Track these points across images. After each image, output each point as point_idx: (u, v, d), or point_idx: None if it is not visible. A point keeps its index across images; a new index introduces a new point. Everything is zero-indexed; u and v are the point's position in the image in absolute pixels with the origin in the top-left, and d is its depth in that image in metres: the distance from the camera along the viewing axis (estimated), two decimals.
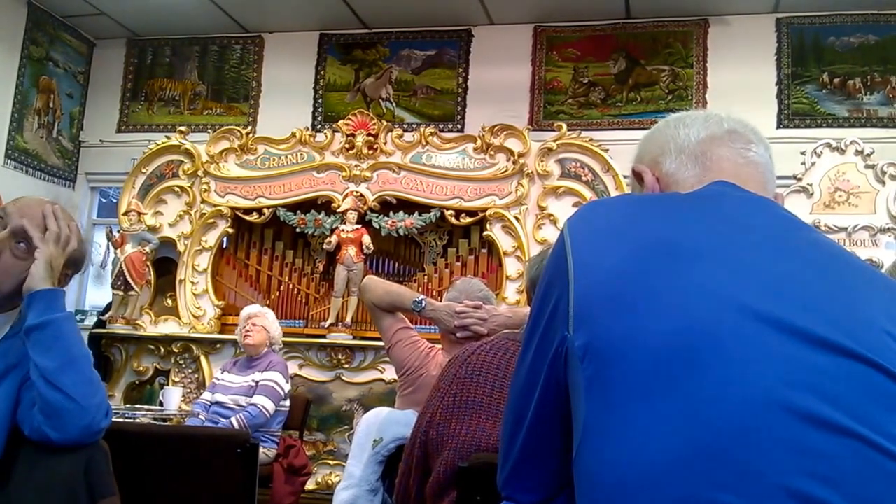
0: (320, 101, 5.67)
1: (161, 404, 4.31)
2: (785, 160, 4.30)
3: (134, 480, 1.54)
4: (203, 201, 5.12)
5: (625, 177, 4.51)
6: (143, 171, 5.29)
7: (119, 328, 4.94)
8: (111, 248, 5.06)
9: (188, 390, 4.78)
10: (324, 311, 4.93)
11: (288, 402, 3.83)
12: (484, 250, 4.91)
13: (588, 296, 0.74)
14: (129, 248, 4.93)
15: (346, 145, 4.99)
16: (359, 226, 4.82)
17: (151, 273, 5.14)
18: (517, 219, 4.72)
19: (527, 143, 4.80)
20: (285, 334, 4.29)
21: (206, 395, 3.89)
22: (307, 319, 4.99)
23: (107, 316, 5.04)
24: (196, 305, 5.02)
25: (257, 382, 3.74)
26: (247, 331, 3.90)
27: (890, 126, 4.85)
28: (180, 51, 5.97)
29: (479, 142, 4.87)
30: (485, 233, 4.79)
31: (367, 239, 4.79)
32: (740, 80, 5.01)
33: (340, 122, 5.08)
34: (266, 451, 3.62)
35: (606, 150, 4.71)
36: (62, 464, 1.34)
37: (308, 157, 5.07)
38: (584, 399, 0.72)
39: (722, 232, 0.77)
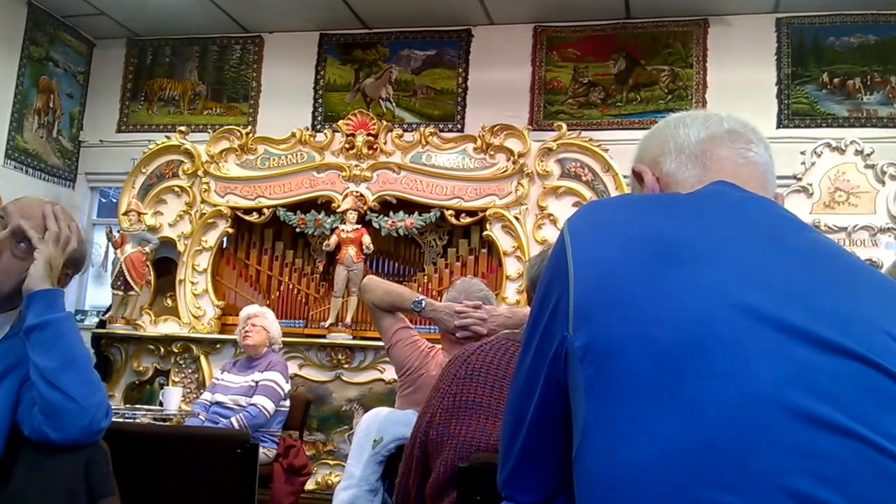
0: (320, 101, 5.67)
1: (161, 404, 4.31)
2: (785, 160, 4.30)
3: (134, 480, 1.54)
4: (203, 201, 5.12)
5: (625, 177, 4.51)
6: (143, 171, 5.29)
7: (119, 328, 4.94)
8: (111, 248, 5.06)
9: (188, 390, 4.78)
10: (324, 311, 4.93)
11: (288, 402, 3.83)
12: (484, 250, 4.91)
13: (588, 296, 0.74)
14: (129, 248, 4.93)
15: (346, 145, 4.99)
16: (359, 226, 4.82)
17: (151, 273, 5.14)
18: (517, 219, 4.72)
19: (527, 143, 4.80)
20: (285, 334, 4.29)
21: (206, 395, 3.89)
22: (307, 319, 4.99)
23: (107, 316, 5.04)
24: (196, 305, 5.02)
25: (257, 382, 3.74)
26: (246, 331, 3.90)
27: (890, 126, 4.85)
28: (180, 51, 5.97)
29: (479, 142, 4.87)
30: (485, 233, 4.79)
31: (367, 239, 4.79)
32: (740, 80, 5.01)
33: (340, 122, 5.08)
34: (266, 451, 3.62)
35: (606, 150, 4.71)
36: (62, 464, 1.34)
37: (308, 157, 5.07)
38: (583, 399, 0.72)
39: (722, 232, 0.77)
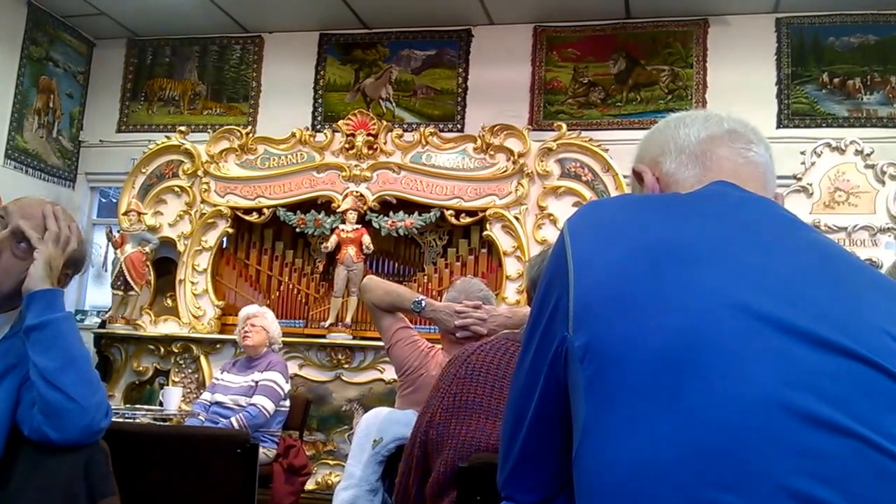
0: (320, 101, 5.67)
1: (161, 404, 4.31)
2: (785, 160, 4.30)
3: (134, 480, 1.54)
4: (203, 201, 5.12)
5: (625, 177, 4.51)
6: (143, 171, 5.29)
7: (119, 328, 4.94)
8: (111, 248, 5.06)
9: (188, 390, 4.78)
10: (324, 311, 4.93)
11: (288, 402, 3.83)
12: (484, 250, 4.91)
13: (588, 296, 0.74)
14: (129, 248, 4.93)
15: (346, 145, 4.99)
16: (359, 226, 4.82)
17: (151, 273, 5.14)
18: (517, 219, 4.72)
19: (527, 143, 4.80)
20: (285, 334, 4.29)
21: (206, 396, 3.88)
22: (307, 319, 4.99)
23: (106, 316, 5.04)
24: (196, 305, 5.02)
25: (257, 382, 3.74)
26: (246, 332, 3.89)
27: (890, 126, 4.85)
28: (180, 51, 5.97)
29: (479, 142, 4.87)
30: (485, 233, 4.79)
31: (366, 239, 4.79)
32: (740, 80, 5.01)
33: (340, 122, 5.08)
34: (266, 451, 3.62)
35: (606, 150, 4.71)
36: (62, 464, 1.34)
37: (308, 157, 5.07)
38: (583, 399, 0.72)
39: (722, 232, 0.77)
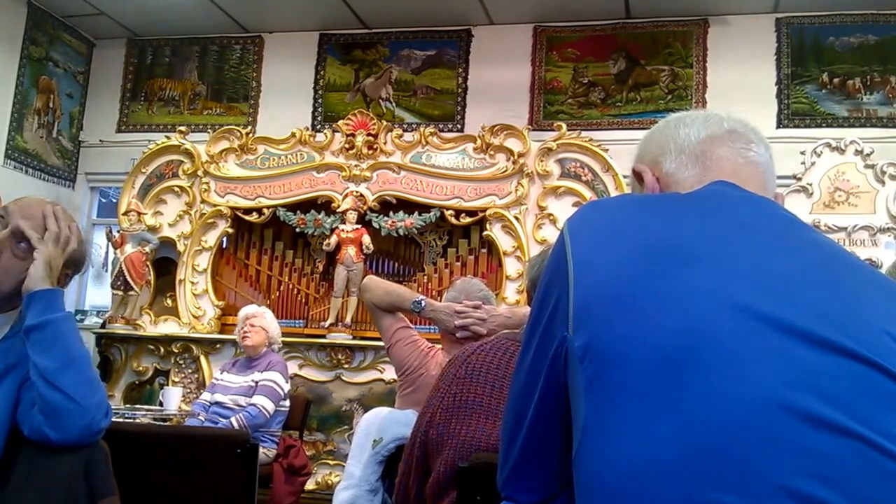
0: (320, 101, 5.67)
1: (161, 404, 4.31)
2: (785, 160, 4.30)
3: (134, 480, 1.54)
4: (203, 201, 5.12)
5: (625, 177, 4.51)
6: (143, 171, 5.29)
7: (119, 328, 4.94)
8: (111, 248, 5.06)
9: (188, 390, 4.78)
10: (324, 311, 4.93)
11: (288, 402, 3.83)
12: (484, 250, 4.91)
13: (588, 296, 0.74)
14: (129, 248, 4.93)
15: (346, 145, 4.99)
16: (359, 226, 4.82)
17: (151, 273, 5.14)
18: (517, 219, 4.72)
19: (527, 143, 4.80)
20: (285, 334, 4.29)
21: (206, 396, 3.88)
22: (307, 319, 4.99)
23: (106, 316, 5.04)
24: (196, 305, 5.02)
25: (257, 382, 3.74)
26: (245, 332, 3.89)
27: (889, 126, 4.85)
28: (180, 51, 5.97)
29: (478, 142, 4.87)
30: (485, 233, 4.79)
31: (366, 239, 4.79)
32: (740, 80, 5.01)
33: (340, 122, 5.08)
34: (266, 451, 3.62)
35: (606, 150, 4.71)
36: (62, 464, 1.34)
37: (308, 157, 5.07)
38: (583, 399, 0.72)
39: (722, 232, 0.77)
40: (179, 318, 5.02)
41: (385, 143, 4.99)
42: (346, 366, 4.72)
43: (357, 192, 4.90)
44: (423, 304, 2.28)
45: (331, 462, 4.62)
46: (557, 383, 0.78)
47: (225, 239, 5.18)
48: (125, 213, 5.05)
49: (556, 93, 5.36)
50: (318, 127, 5.48)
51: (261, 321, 3.92)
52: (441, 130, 5.11)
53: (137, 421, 3.78)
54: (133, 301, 4.97)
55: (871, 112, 4.91)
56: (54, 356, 1.36)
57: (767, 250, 0.75)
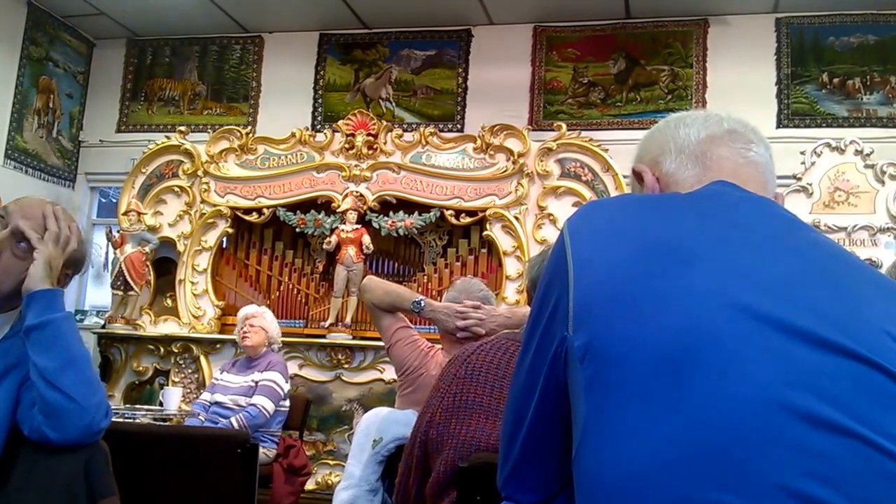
0: (320, 101, 5.67)
1: (161, 404, 4.31)
2: (785, 160, 4.30)
3: (134, 480, 1.54)
4: (203, 201, 5.12)
5: (625, 177, 4.51)
6: (143, 171, 5.29)
7: (119, 328, 4.94)
8: (111, 248, 5.06)
9: (188, 390, 4.78)
10: (324, 311, 4.93)
11: (288, 402, 3.83)
12: (484, 250, 4.91)
13: (588, 296, 0.74)
14: (129, 248, 4.93)
15: (346, 145, 4.99)
16: (358, 226, 4.82)
17: (151, 273, 5.14)
18: (517, 219, 4.72)
19: (526, 143, 4.80)
20: (285, 334, 4.29)
21: (206, 396, 3.88)
22: (307, 319, 4.99)
23: (106, 316, 5.04)
24: (196, 305, 5.02)
25: (257, 382, 3.74)
26: (245, 332, 3.89)
27: (889, 126, 4.85)
28: (180, 51, 5.97)
29: (478, 142, 4.87)
30: (485, 233, 4.79)
31: (366, 239, 4.79)
32: (740, 80, 5.01)
33: (340, 122, 5.08)
34: (266, 451, 3.62)
35: (606, 150, 4.71)
36: (62, 464, 1.33)
37: (308, 157, 5.07)
38: (583, 399, 0.72)
39: (722, 232, 0.77)
40: (179, 318, 5.02)
41: (385, 143, 4.99)
42: (346, 366, 4.72)
43: (357, 192, 4.90)
44: (422, 305, 2.29)
45: (331, 462, 4.62)
46: (557, 383, 0.78)
47: (225, 239, 5.18)
48: (125, 213, 5.05)
49: (556, 93, 5.36)
50: (318, 127, 5.48)
51: (260, 321, 3.92)
52: (441, 130, 5.11)
53: (137, 421, 3.78)
54: (133, 301, 4.96)
55: (870, 112, 4.91)
56: (54, 356, 1.36)
57: (767, 250, 0.75)
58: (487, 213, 4.76)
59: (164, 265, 5.27)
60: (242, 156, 5.16)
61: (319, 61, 5.72)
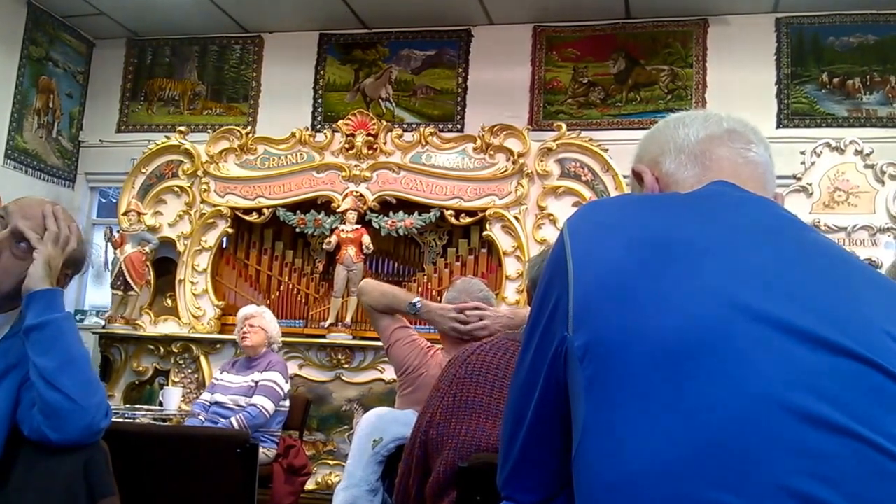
0: (320, 101, 5.67)
1: (161, 404, 4.31)
2: (784, 160, 4.30)
3: (134, 480, 1.54)
4: (203, 201, 5.12)
5: (624, 177, 4.51)
6: (143, 171, 5.29)
7: (119, 328, 4.94)
8: (111, 248, 5.06)
9: (188, 390, 4.78)
10: (323, 311, 4.93)
11: (288, 402, 3.83)
12: (484, 250, 4.91)
13: (588, 296, 0.74)
14: (129, 248, 4.93)
15: (346, 145, 4.99)
16: (358, 226, 4.82)
17: (151, 273, 5.14)
18: (517, 219, 4.72)
19: (526, 143, 4.80)
20: (285, 334, 4.29)
21: (206, 396, 3.88)
22: (307, 319, 4.99)
23: (106, 316, 5.04)
24: (196, 305, 5.02)
25: (257, 383, 3.74)
26: (244, 332, 3.89)
27: (889, 126, 4.85)
28: (180, 51, 5.97)
29: (478, 142, 4.87)
30: (484, 233, 4.79)
31: (366, 239, 4.79)
32: (740, 80, 5.01)
33: (340, 122, 5.08)
34: (266, 451, 3.62)
35: (606, 150, 4.71)
36: (62, 464, 1.33)
37: (308, 157, 5.07)
38: (583, 399, 0.72)
39: (721, 232, 0.77)
40: (179, 318, 5.02)
41: (385, 143, 4.99)
42: (346, 366, 4.72)
43: (357, 192, 4.90)
44: (418, 306, 2.28)
45: (331, 462, 4.62)
46: (557, 383, 0.78)
47: (225, 239, 5.18)
48: (125, 213, 5.05)
49: (555, 93, 5.36)
50: (318, 127, 5.48)
51: (260, 321, 3.92)
52: (441, 130, 5.11)
53: (137, 421, 3.78)
54: (133, 301, 4.96)
55: (870, 112, 4.91)
56: (54, 356, 1.36)
57: (767, 250, 0.75)
58: (487, 213, 4.76)
59: (164, 265, 5.27)
60: (242, 156, 5.16)
61: (319, 61, 5.72)
